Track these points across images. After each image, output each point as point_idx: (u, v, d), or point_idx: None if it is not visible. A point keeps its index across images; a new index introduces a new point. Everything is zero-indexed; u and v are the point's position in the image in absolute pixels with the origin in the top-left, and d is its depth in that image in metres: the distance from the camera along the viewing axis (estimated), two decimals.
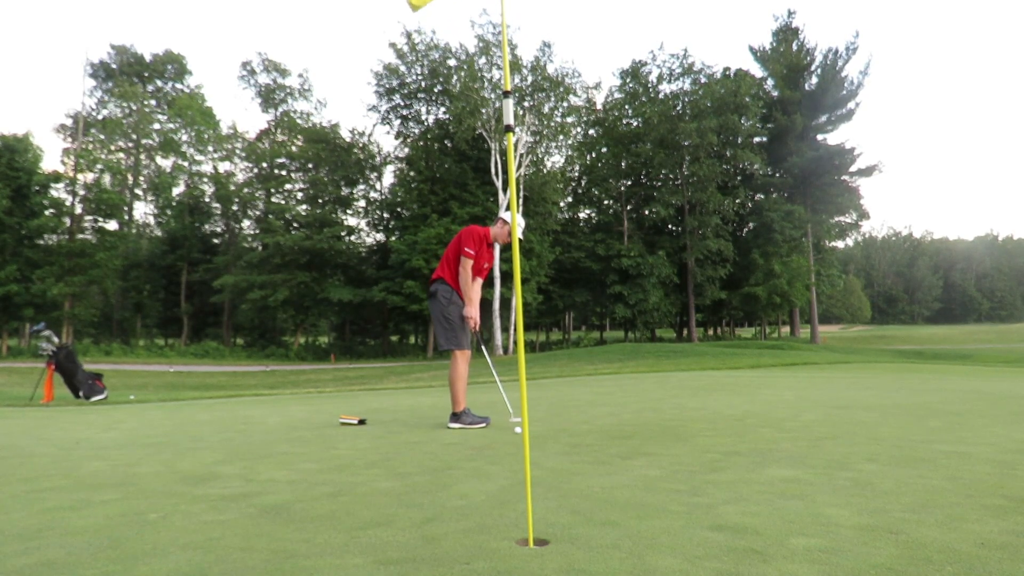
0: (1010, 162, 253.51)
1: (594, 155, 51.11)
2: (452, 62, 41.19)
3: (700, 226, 47.25)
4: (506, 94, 2.70)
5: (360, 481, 3.35)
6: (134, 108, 48.29)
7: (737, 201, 50.20)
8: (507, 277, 38.46)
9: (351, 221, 48.25)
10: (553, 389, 9.46)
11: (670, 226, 50.89)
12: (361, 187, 48.53)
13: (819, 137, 51.05)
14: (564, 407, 6.76)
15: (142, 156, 50.66)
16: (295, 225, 44.90)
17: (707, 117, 44.91)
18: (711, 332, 64.28)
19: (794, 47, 50.31)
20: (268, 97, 47.84)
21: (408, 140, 45.81)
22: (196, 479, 3.49)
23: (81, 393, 10.15)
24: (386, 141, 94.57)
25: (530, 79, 37.98)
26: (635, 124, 48.67)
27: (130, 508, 2.88)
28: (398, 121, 45.55)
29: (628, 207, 50.36)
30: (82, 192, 39.82)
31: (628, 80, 48.38)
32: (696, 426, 5.08)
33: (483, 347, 5.92)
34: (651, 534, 2.35)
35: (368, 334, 53.74)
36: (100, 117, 48.41)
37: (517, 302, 2.82)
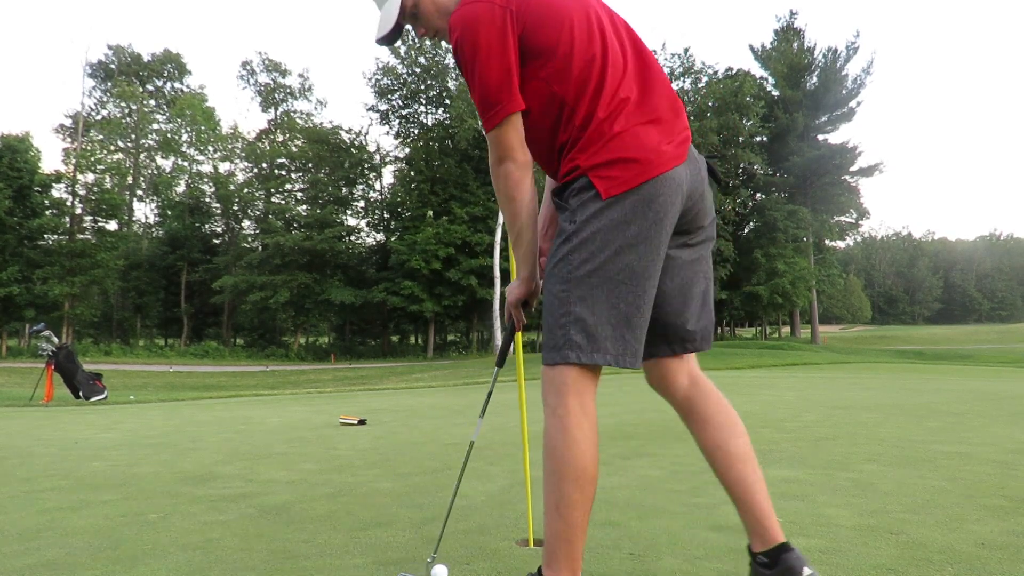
0: (1011, 162, 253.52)
1: None
2: (451, 61, 41.20)
3: None
4: None
5: (360, 481, 3.35)
6: (133, 108, 48.30)
7: (738, 201, 50.19)
8: (507, 276, 38.38)
9: (351, 221, 48.27)
10: None
11: None
12: (361, 187, 48.54)
13: (820, 137, 51.05)
14: None
15: (142, 156, 50.68)
16: (295, 225, 44.89)
17: (708, 117, 44.89)
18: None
19: (795, 47, 50.31)
20: (268, 97, 47.86)
21: (408, 140, 45.82)
22: (196, 479, 3.49)
23: (81, 393, 10.16)
24: (386, 141, 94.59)
25: None
26: None
27: (130, 508, 2.88)
28: (397, 122, 45.59)
29: None
30: (82, 192, 39.83)
31: None
32: None
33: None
34: (651, 534, 2.34)
35: (368, 334, 53.71)
36: (100, 117, 48.43)
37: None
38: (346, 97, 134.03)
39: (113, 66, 48.84)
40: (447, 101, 41.48)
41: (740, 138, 48.61)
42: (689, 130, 1.70)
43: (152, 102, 50.63)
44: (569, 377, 1.62)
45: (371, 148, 47.89)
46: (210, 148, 51.11)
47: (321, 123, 47.72)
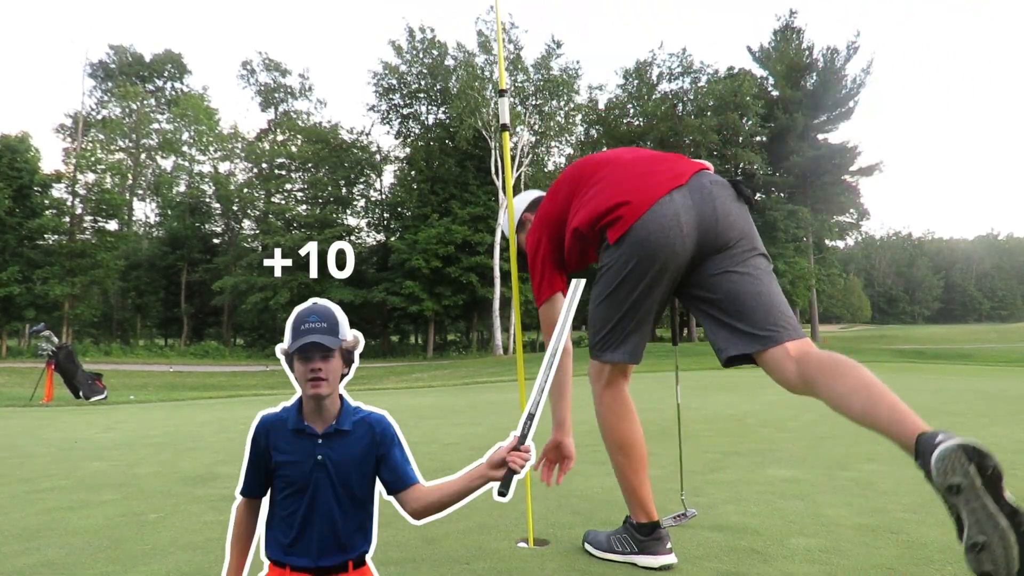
0: (1010, 162, 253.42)
1: None
2: (451, 61, 41.26)
3: None
4: (501, 93, 2.70)
5: None
6: (134, 108, 48.31)
7: None
8: (507, 276, 38.42)
9: (351, 221, 48.28)
10: None
11: None
12: (361, 187, 48.57)
13: (820, 136, 51.06)
14: None
15: (142, 156, 50.68)
16: (295, 225, 44.93)
17: (707, 116, 44.90)
18: None
19: (793, 47, 50.34)
20: (268, 97, 47.86)
21: (408, 140, 45.85)
22: (196, 479, 3.49)
23: (81, 393, 10.17)
24: (386, 141, 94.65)
25: (534, 76, 37.96)
26: (637, 124, 48.68)
27: (130, 508, 2.88)
28: (398, 121, 45.60)
29: None
30: (82, 192, 39.84)
31: (632, 79, 48.41)
32: (696, 426, 5.07)
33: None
34: None
35: (368, 334, 53.74)
36: (100, 117, 48.42)
37: (515, 301, 2.82)
38: (346, 97, 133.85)
39: (114, 66, 48.82)
40: (448, 101, 41.50)
41: (740, 138, 48.65)
42: (687, 168, 2.14)
43: (152, 102, 50.62)
44: (595, 370, 2.17)
45: (372, 148, 47.92)
46: (210, 148, 51.13)
47: (320, 122, 47.75)
